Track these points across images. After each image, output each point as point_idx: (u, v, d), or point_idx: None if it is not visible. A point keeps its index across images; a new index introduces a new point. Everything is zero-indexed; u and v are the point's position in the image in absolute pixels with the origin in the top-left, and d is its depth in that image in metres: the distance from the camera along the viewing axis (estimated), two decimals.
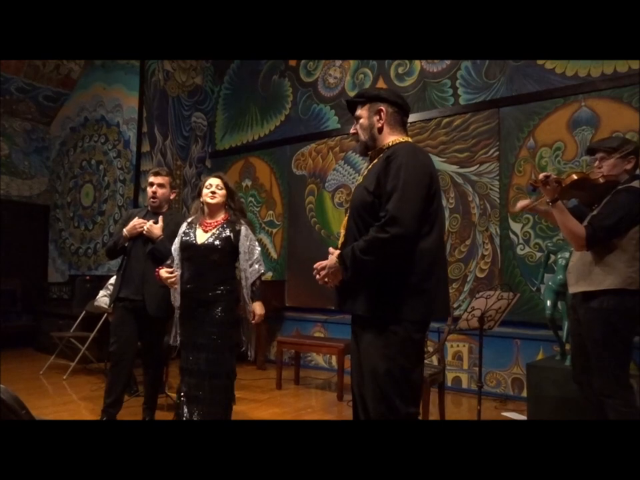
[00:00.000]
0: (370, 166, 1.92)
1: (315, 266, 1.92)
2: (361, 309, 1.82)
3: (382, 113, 1.91)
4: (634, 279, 2.29)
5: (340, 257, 1.83)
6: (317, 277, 1.92)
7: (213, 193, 2.82)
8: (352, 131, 2.01)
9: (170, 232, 3.03)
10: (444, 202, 4.44)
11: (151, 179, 3.17)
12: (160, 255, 3.02)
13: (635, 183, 2.38)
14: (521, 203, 2.66)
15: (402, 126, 1.95)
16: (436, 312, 1.85)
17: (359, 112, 1.97)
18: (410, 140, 1.94)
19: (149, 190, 3.16)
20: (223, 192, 2.85)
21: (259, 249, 2.89)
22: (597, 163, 2.49)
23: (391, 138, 1.91)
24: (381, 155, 1.88)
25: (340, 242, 1.95)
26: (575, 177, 2.38)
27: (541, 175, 2.33)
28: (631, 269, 2.30)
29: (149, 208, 3.21)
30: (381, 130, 1.91)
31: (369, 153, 1.98)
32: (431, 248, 1.79)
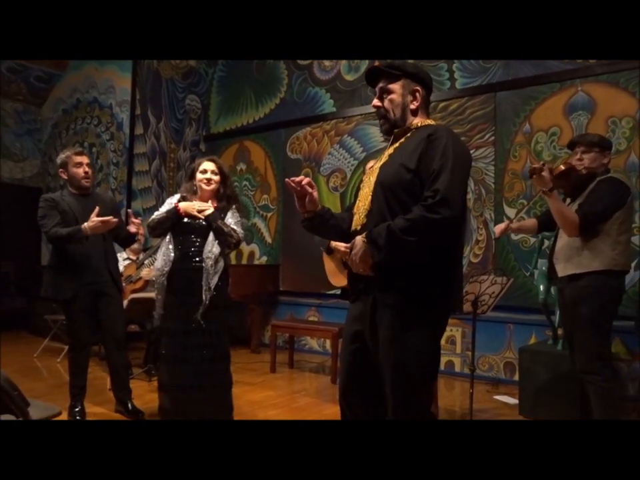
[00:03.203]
0: (397, 145, 1.78)
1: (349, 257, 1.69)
2: (394, 297, 1.63)
3: (417, 94, 1.78)
4: (618, 261, 2.49)
5: (368, 236, 1.63)
6: (354, 267, 1.69)
7: (209, 180, 2.85)
8: (376, 104, 1.82)
9: (109, 210, 3.12)
10: None
11: (79, 158, 3.09)
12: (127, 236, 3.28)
13: (612, 174, 2.64)
14: (498, 230, 2.93)
15: (428, 108, 1.85)
16: (459, 304, 1.80)
17: (389, 86, 1.79)
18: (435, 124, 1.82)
19: (80, 170, 3.07)
20: (218, 177, 2.88)
21: (241, 231, 2.88)
22: (577, 155, 2.68)
23: (419, 119, 1.79)
24: (409, 135, 1.76)
25: (359, 224, 1.76)
26: (562, 167, 2.59)
27: (536, 165, 2.49)
28: (614, 252, 2.49)
29: (73, 190, 3.10)
30: (415, 112, 1.78)
31: (394, 131, 1.82)
32: (462, 236, 1.72)
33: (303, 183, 1.76)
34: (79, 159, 3.09)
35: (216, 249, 2.78)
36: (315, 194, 1.79)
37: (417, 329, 1.63)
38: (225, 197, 2.91)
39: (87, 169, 3.09)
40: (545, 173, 2.45)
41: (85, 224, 2.78)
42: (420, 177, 1.63)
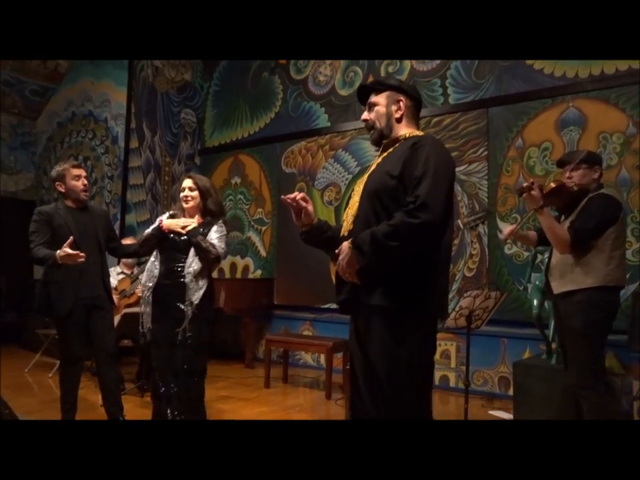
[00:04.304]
0: (385, 154, 1.85)
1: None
2: (379, 299, 1.67)
3: (401, 104, 1.86)
4: (612, 277, 2.49)
5: (354, 242, 1.68)
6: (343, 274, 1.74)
7: (186, 197, 2.92)
8: (364, 117, 1.93)
9: (104, 223, 3.17)
10: None
11: (77, 171, 3.06)
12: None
13: (604, 190, 2.64)
14: (506, 231, 2.87)
15: (416, 120, 1.92)
16: (447, 310, 1.79)
17: (374, 99, 1.90)
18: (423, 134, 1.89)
19: (79, 183, 3.04)
20: (195, 193, 2.93)
21: (222, 246, 2.87)
22: (567, 173, 2.67)
23: (407, 130, 1.86)
24: (397, 145, 1.83)
25: (346, 229, 1.83)
26: (553, 184, 2.58)
27: (525, 183, 2.51)
28: (608, 267, 2.49)
29: (68, 203, 3.07)
30: (399, 120, 1.86)
31: (383, 142, 1.89)
32: (448, 243, 1.77)
33: (297, 198, 1.84)
34: (77, 171, 3.07)
35: (196, 265, 2.81)
36: (310, 208, 1.88)
37: (400, 335, 1.66)
38: (207, 211, 2.95)
39: (85, 182, 3.08)
40: (535, 192, 2.47)
41: (58, 251, 2.69)
42: (403, 183, 1.69)
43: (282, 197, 1.87)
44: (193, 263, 2.82)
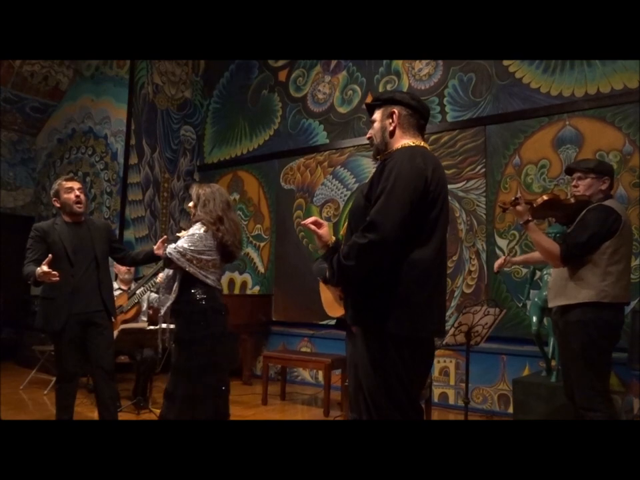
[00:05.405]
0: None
1: None
2: (348, 316, 1.78)
3: (394, 115, 1.80)
4: (608, 292, 2.38)
5: (329, 262, 1.77)
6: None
7: (189, 209, 2.92)
8: (368, 135, 1.90)
9: (104, 236, 3.14)
10: None
11: (69, 184, 3.03)
12: None
13: (607, 202, 2.49)
14: (496, 264, 2.97)
15: (417, 129, 1.82)
16: (427, 329, 1.70)
17: (374, 116, 1.88)
18: (421, 144, 1.79)
19: (71, 195, 3.00)
20: (192, 203, 2.88)
21: (175, 246, 2.70)
22: (573, 182, 2.60)
23: (402, 142, 1.78)
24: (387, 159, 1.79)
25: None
26: (545, 197, 2.51)
27: (514, 197, 2.47)
28: (604, 283, 2.38)
29: (66, 218, 3.04)
30: (392, 133, 1.80)
31: (377, 157, 1.87)
32: (425, 259, 1.66)
33: (307, 223, 1.93)
34: (69, 184, 3.05)
35: (163, 275, 2.80)
36: (320, 232, 1.92)
37: (369, 351, 1.70)
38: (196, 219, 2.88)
39: (78, 194, 3.04)
40: (520, 207, 2.41)
41: (37, 269, 2.65)
42: (370, 201, 1.70)
43: (301, 222, 1.99)
44: (164, 275, 2.81)
